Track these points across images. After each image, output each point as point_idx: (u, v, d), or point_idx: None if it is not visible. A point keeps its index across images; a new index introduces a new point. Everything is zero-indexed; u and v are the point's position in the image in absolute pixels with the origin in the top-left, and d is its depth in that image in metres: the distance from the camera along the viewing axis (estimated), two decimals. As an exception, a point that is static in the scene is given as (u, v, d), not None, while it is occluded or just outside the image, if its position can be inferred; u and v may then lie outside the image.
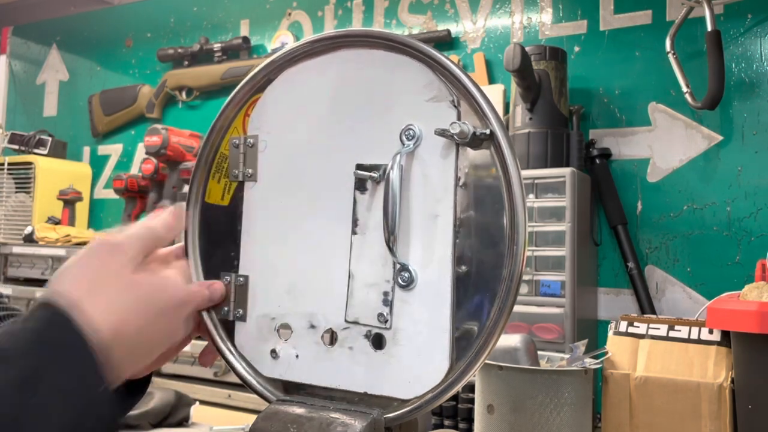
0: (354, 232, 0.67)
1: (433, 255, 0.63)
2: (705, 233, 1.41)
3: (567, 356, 1.02)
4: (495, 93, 1.61)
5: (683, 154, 1.44)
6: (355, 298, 0.67)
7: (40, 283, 1.95)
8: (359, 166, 0.66)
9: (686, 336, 0.99)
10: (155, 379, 1.57)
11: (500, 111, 1.58)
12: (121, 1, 2.40)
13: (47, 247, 1.96)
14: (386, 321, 0.65)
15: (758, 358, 0.86)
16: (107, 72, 2.41)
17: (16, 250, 2.00)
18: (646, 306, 1.41)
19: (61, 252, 1.91)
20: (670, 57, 1.42)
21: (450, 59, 0.64)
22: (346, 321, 0.67)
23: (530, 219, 1.33)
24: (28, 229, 2.03)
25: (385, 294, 0.65)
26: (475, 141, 0.62)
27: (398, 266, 0.64)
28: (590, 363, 0.98)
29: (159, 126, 1.98)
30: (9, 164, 2.28)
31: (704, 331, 0.98)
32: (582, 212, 1.36)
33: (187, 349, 1.68)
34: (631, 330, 1.03)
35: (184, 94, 2.18)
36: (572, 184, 1.32)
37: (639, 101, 1.49)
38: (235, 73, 2.04)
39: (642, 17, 1.51)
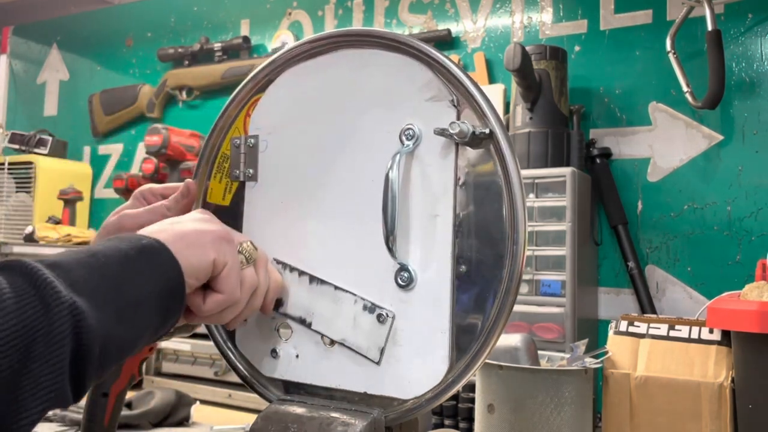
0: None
1: (432, 255, 0.63)
2: (705, 233, 1.41)
3: (567, 356, 1.02)
4: (495, 93, 1.61)
5: (684, 154, 1.44)
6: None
7: (40, 282, 1.95)
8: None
9: (687, 336, 0.99)
10: (156, 379, 1.58)
11: (500, 111, 1.58)
12: (122, 1, 2.40)
13: (48, 246, 1.96)
14: (385, 321, 0.65)
15: (758, 357, 0.86)
16: (107, 71, 2.41)
17: (17, 249, 2.00)
18: (647, 305, 1.41)
19: (61, 251, 1.90)
20: (671, 56, 1.42)
21: (449, 59, 0.64)
22: (346, 321, 0.67)
23: (530, 218, 1.33)
24: (28, 229, 2.03)
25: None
26: (475, 140, 0.62)
27: (398, 266, 0.64)
28: (590, 362, 0.97)
29: (159, 126, 1.97)
30: (9, 164, 2.28)
31: (704, 330, 0.98)
32: (582, 212, 1.36)
33: (186, 348, 1.67)
34: (631, 329, 1.03)
35: (184, 93, 2.18)
36: (572, 183, 1.32)
37: (639, 101, 1.49)
38: (235, 72, 2.04)
39: (642, 17, 1.51)
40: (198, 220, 0.61)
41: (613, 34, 1.54)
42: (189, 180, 0.72)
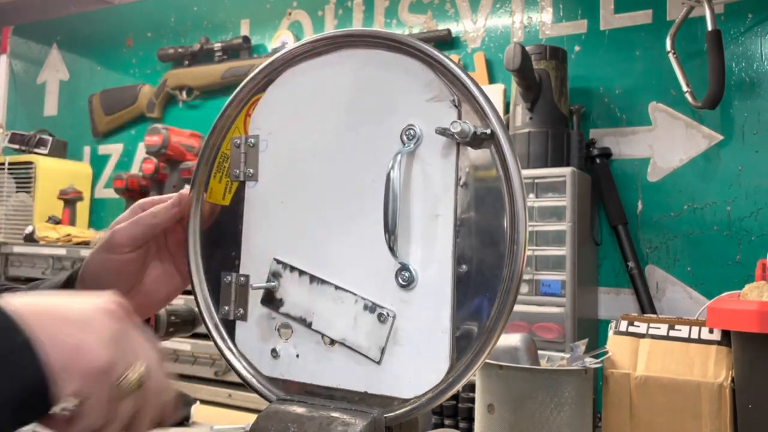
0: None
1: (433, 255, 0.63)
2: (705, 233, 1.41)
3: (567, 356, 1.02)
4: (495, 93, 1.61)
5: (683, 154, 1.44)
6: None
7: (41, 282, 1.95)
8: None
9: (686, 335, 0.99)
10: (156, 379, 1.58)
11: (500, 111, 1.58)
12: (122, 1, 2.40)
13: (48, 246, 1.96)
14: (386, 320, 0.65)
15: (758, 357, 0.86)
16: (108, 72, 2.41)
17: (17, 249, 2.01)
18: (647, 305, 1.41)
19: (61, 251, 1.91)
20: (671, 56, 1.42)
21: (450, 59, 0.64)
22: (346, 320, 0.67)
23: (530, 218, 1.33)
24: (28, 229, 2.03)
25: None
26: (476, 140, 0.62)
27: (398, 266, 0.64)
28: (590, 362, 0.98)
29: (159, 125, 1.98)
30: (9, 164, 2.28)
31: (704, 330, 0.98)
32: (582, 212, 1.36)
33: (187, 348, 1.67)
34: (631, 329, 1.03)
35: (184, 93, 2.18)
36: (572, 183, 1.32)
37: (639, 101, 1.49)
38: (235, 72, 2.04)
39: (642, 17, 1.51)
40: (88, 330, 0.50)
41: (613, 34, 1.54)
42: (183, 191, 0.72)
